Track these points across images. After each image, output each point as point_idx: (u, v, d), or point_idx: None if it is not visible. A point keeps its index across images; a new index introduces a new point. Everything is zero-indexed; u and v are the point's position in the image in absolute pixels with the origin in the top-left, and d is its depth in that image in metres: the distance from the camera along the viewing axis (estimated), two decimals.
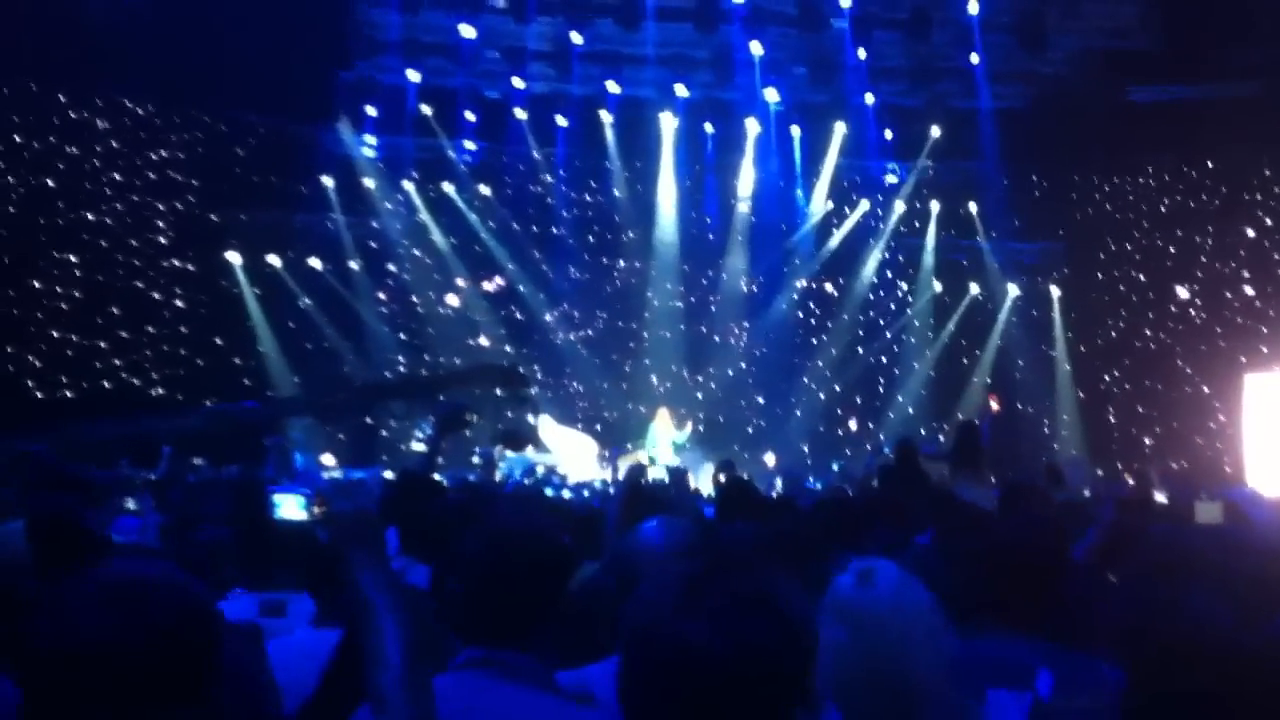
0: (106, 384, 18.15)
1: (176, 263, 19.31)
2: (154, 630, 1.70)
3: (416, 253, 21.41)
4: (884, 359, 22.53)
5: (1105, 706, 2.14)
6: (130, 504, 5.13)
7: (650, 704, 1.52)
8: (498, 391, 18.10)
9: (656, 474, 13.27)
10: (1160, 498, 11.21)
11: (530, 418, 18.83)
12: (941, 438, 17.95)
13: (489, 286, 21.67)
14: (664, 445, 17.76)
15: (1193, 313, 20.37)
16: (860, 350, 22.41)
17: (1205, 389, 20.11)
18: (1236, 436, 19.09)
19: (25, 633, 1.72)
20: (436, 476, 6.97)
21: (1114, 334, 21.39)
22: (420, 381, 20.53)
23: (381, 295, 21.37)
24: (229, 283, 19.77)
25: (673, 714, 1.50)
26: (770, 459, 18.72)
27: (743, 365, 22.26)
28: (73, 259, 18.22)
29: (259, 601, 3.98)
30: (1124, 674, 1.80)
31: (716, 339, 22.41)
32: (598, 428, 20.58)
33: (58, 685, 1.67)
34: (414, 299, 21.44)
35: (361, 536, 2.15)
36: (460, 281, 21.37)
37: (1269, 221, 19.70)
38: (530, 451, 18.14)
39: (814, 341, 22.37)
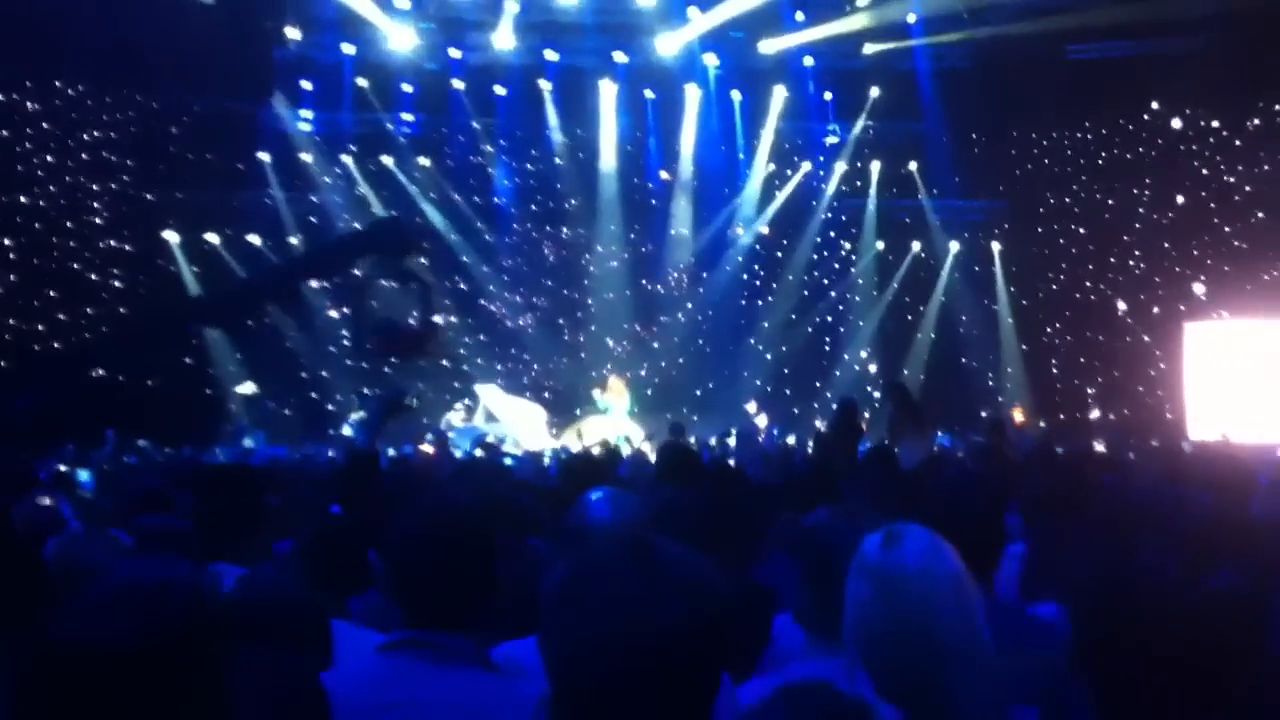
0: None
1: (113, 243, 19.03)
2: (166, 634, 1.68)
3: (357, 226, 21.22)
4: (829, 318, 22.67)
5: (1045, 659, 2.18)
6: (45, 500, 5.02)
7: (587, 679, 1.51)
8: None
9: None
10: (1099, 447, 11.41)
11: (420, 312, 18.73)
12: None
13: None
14: (620, 414, 17.81)
15: (1131, 264, 20.61)
16: (806, 310, 22.51)
17: (1145, 339, 20.40)
18: (1177, 385, 19.38)
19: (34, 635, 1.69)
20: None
21: (1055, 287, 21.63)
22: (312, 259, 20.11)
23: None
24: (166, 261, 19.56)
25: (606, 687, 1.50)
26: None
27: (689, 331, 22.29)
28: (7, 242, 17.91)
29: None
30: (1069, 625, 1.83)
31: (661, 304, 22.46)
32: (546, 395, 20.57)
33: (67, 689, 1.65)
34: (355, 273, 21.24)
35: None
36: None
37: (1205, 172, 19.93)
38: (480, 421, 18.14)
39: (759, 304, 22.49)
